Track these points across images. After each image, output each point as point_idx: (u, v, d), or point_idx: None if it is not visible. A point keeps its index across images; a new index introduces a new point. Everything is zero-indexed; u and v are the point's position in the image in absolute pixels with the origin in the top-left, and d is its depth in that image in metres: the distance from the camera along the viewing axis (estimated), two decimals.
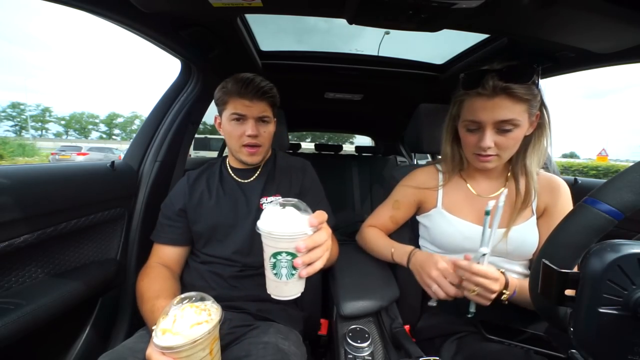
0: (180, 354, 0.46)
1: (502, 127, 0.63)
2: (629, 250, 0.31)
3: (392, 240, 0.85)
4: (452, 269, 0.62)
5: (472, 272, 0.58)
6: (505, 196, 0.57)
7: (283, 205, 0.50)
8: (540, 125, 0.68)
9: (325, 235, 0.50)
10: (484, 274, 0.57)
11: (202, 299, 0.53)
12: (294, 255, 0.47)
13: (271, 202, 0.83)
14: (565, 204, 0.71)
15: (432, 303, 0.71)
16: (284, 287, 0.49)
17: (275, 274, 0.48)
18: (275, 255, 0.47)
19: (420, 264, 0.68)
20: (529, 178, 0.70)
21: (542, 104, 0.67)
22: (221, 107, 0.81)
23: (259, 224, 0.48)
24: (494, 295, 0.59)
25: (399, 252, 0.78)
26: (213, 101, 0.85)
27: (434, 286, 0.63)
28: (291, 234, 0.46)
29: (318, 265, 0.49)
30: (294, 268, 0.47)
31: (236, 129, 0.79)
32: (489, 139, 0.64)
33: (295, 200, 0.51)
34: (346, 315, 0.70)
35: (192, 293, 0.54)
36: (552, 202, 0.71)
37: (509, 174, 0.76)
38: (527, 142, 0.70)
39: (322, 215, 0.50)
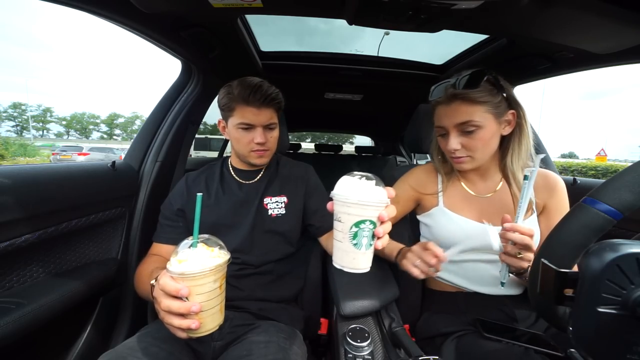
0: (195, 281, 0.47)
1: (465, 129, 0.68)
2: (627, 249, 0.31)
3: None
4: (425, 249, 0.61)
5: (517, 231, 0.56)
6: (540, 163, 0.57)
7: (359, 176, 0.48)
8: (518, 125, 0.70)
9: (395, 208, 0.50)
10: (529, 232, 0.56)
11: (209, 240, 0.55)
12: (374, 225, 0.46)
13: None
14: (561, 200, 0.74)
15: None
16: (362, 257, 0.47)
17: (355, 244, 0.46)
18: (358, 224, 0.45)
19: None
20: (515, 180, 0.71)
21: (515, 103, 0.69)
22: (227, 113, 0.79)
23: (341, 192, 0.46)
24: (532, 255, 0.58)
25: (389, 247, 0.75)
26: (214, 101, 0.84)
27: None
28: (378, 202, 0.45)
29: (387, 239, 0.49)
30: (373, 238, 0.46)
31: (244, 136, 0.78)
32: (453, 141, 0.69)
33: (367, 173, 0.49)
34: (346, 314, 0.71)
35: (202, 235, 0.55)
36: (549, 199, 0.74)
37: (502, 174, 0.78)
38: (507, 143, 0.72)
39: (391, 189, 0.49)
